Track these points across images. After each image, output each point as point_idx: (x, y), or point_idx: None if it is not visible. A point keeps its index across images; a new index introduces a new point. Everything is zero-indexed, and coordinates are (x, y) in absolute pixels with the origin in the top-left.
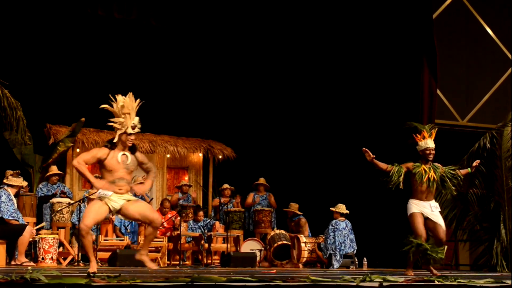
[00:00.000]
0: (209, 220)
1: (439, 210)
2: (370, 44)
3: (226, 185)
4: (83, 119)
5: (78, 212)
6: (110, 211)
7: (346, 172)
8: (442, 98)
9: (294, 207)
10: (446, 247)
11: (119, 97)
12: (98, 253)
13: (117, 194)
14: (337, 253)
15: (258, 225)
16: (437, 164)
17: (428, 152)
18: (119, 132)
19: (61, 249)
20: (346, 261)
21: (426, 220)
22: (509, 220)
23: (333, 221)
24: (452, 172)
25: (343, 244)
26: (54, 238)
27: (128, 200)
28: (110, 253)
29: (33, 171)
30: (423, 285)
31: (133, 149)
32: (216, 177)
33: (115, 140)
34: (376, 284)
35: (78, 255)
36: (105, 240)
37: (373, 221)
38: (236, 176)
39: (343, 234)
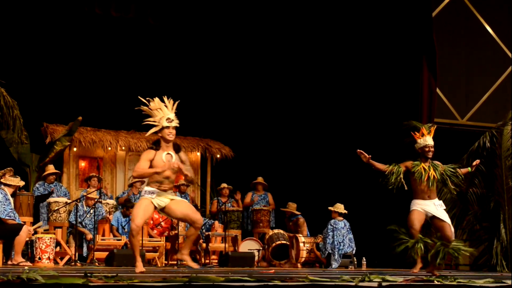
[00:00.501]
0: (207, 220)
1: (444, 207)
2: (369, 43)
3: (224, 185)
4: (80, 118)
5: (75, 211)
6: (155, 208)
7: (345, 172)
8: (441, 97)
9: (292, 206)
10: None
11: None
12: (95, 252)
13: (162, 192)
14: (336, 252)
15: (256, 225)
16: (436, 162)
17: (427, 149)
18: (155, 129)
19: (58, 249)
20: (345, 261)
21: (433, 219)
22: (509, 219)
23: (332, 221)
24: (452, 170)
25: (342, 244)
26: (51, 238)
27: (172, 199)
28: (107, 253)
29: (29, 170)
30: (422, 285)
31: (177, 149)
32: (214, 176)
33: (148, 134)
34: (375, 284)
35: (75, 255)
36: (102, 239)
37: (372, 221)
38: (234, 176)
39: (341, 233)
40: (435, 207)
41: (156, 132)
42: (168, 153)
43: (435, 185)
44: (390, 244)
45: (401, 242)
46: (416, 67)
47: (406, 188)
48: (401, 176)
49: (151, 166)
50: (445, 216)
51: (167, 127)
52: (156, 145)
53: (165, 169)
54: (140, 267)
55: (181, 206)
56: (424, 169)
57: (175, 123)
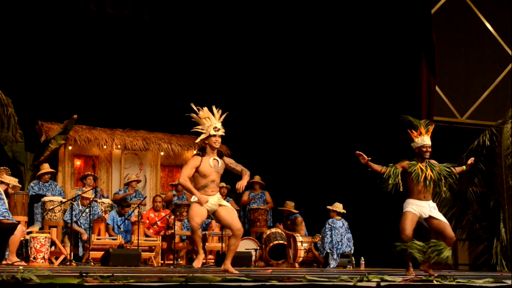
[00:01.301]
0: None
1: (437, 211)
2: (367, 40)
3: (222, 184)
4: (75, 116)
5: (70, 210)
6: (208, 212)
7: (343, 171)
8: (440, 95)
9: (290, 205)
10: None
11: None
12: (90, 252)
13: (210, 196)
14: (334, 252)
15: (253, 224)
16: (433, 162)
17: (424, 149)
18: (203, 137)
19: (53, 248)
20: (343, 260)
21: (430, 220)
22: (509, 219)
23: (330, 220)
24: (447, 170)
25: (340, 243)
26: (45, 237)
27: (221, 205)
28: (102, 252)
29: (24, 169)
30: (421, 285)
31: (220, 154)
32: None
33: (197, 141)
34: (374, 284)
35: (70, 254)
36: (97, 239)
37: (370, 220)
38: (231, 175)
39: (340, 233)
40: (430, 209)
41: (203, 139)
42: (215, 159)
43: (432, 186)
44: (388, 244)
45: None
46: (415, 64)
47: (401, 190)
48: (399, 177)
49: (198, 172)
50: (441, 217)
51: (214, 135)
52: (202, 151)
53: (210, 179)
54: (199, 260)
55: (229, 213)
56: (421, 169)
57: (222, 132)
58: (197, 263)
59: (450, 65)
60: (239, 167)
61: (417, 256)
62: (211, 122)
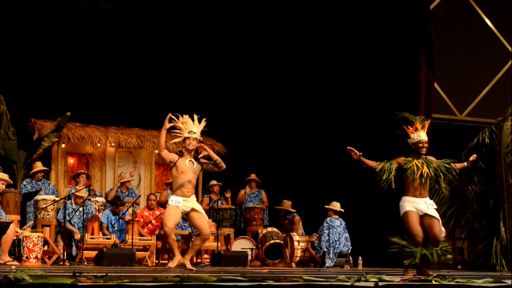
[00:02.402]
0: None
1: (435, 207)
2: (365, 36)
3: (213, 182)
4: (68, 113)
5: (64, 209)
6: (182, 213)
7: (341, 169)
8: (439, 92)
9: (287, 204)
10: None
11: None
12: (84, 251)
13: (185, 197)
14: (331, 251)
15: (249, 223)
16: (430, 158)
17: (421, 145)
18: (177, 140)
19: (46, 247)
20: (341, 260)
21: (422, 217)
22: (509, 218)
23: (328, 219)
24: (447, 166)
25: (337, 242)
26: (38, 237)
27: (194, 210)
28: (96, 252)
29: (17, 167)
30: (420, 285)
31: (196, 158)
32: (206, 173)
33: (172, 141)
34: (372, 284)
35: (63, 254)
36: (91, 238)
37: (368, 219)
38: (226, 173)
39: (337, 232)
40: (426, 206)
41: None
42: (190, 160)
43: (428, 183)
44: (387, 244)
45: (402, 251)
46: (414, 61)
47: (393, 187)
48: (393, 173)
49: (175, 167)
50: (436, 215)
51: (188, 138)
52: (180, 152)
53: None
54: (175, 262)
55: (200, 217)
56: (417, 166)
57: (196, 135)
58: (172, 264)
59: (449, 61)
60: (212, 164)
61: (417, 261)
62: (187, 126)
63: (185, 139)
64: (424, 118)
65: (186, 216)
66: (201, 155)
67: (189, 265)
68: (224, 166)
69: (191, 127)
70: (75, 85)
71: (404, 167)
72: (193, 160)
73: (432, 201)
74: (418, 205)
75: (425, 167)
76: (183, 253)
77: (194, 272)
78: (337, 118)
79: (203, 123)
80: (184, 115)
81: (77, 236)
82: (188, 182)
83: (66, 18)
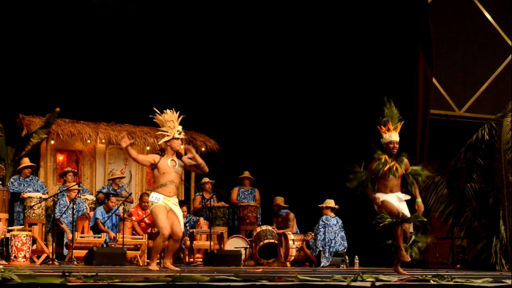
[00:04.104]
0: (191, 216)
1: (408, 198)
2: (362, 31)
3: (206, 179)
4: (57, 109)
5: (56, 206)
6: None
7: (336, 167)
8: (438, 87)
9: (279, 200)
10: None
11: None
12: (74, 251)
13: (167, 197)
14: (327, 250)
15: (243, 222)
16: (403, 158)
17: (392, 146)
18: (166, 139)
19: (34, 246)
20: (337, 259)
21: None
22: (509, 216)
23: (324, 217)
24: (417, 173)
25: (333, 241)
26: (27, 235)
27: (171, 210)
28: (86, 251)
29: (5, 164)
30: (417, 285)
31: (179, 155)
32: None
33: (160, 142)
34: (368, 284)
35: (52, 253)
36: (81, 237)
37: (364, 218)
38: (219, 170)
39: (333, 230)
40: (397, 200)
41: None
42: (173, 160)
43: (399, 179)
44: (384, 243)
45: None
46: (412, 55)
47: (357, 193)
48: (364, 179)
49: (157, 168)
50: (406, 210)
51: (177, 139)
52: (162, 151)
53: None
54: (154, 264)
55: (173, 219)
56: (386, 160)
57: (183, 135)
58: (152, 266)
59: (448, 56)
60: (191, 160)
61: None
62: (175, 124)
63: (173, 139)
64: (400, 119)
65: None
66: (186, 157)
67: (171, 267)
68: (207, 169)
69: (178, 126)
70: (64, 80)
71: (373, 165)
72: (175, 159)
73: (403, 194)
74: (389, 199)
75: (394, 162)
76: (176, 251)
77: (186, 271)
78: (332, 115)
79: (181, 117)
80: (167, 111)
81: (69, 236)
82: (171, 182)
83: (55, 13)
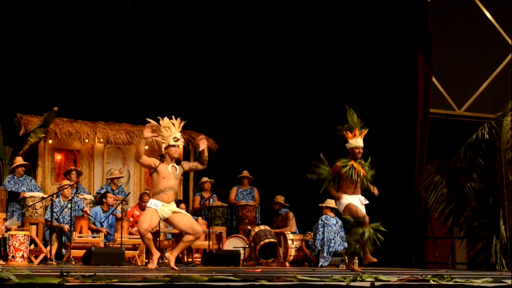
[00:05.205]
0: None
1: (367, 202)
2: (362, 30)
3: (205, 178)
4: (56, 108)
5: (51, 207)
6: (160, 218)
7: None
8: (437, 86)
9: (280, 199)
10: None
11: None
12: (72, 250)
13: (165, 203)
14: (326, 249)
15: (242, 221)
16: (363, 162)
17: (357, 151)
18: (164, 146)
19: (32, 246)
20: (336, 259)
21: None
22: (509, 216)
23: (323, 216)
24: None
25: (332, 241)
26: (25, 235)
27: (175, 212)
28: (84, 250)
29: (2, 164)
30: (417, 285)
31: (178, 162)
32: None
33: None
34: (368, 284)
35: (50, 253)
36: (79, 237)
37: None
38: (218, 169)
39: (333, 230)
40: (360, 202)
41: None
42: (173, 166)
43: (359, 181)
44: (383, 243)
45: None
46: (411, 54)
47: (320, 191)
48: (324, 177)
49: (156, 173)
50: (363, 208)
51: (173, 146)
52: (162, 157)
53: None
54: (154, 262)
55: (184, 219)
56: (354, 166)
57: (181, 142)
58: (151, 265)
59: (448, 55)
60: (196, 162)
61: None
62: (171, 132)
63: (169, 146)
64: (364, 126)
65: (168, 222)
66: (200, 149)
67: (172, 263)
68: (206, 165)
69: (175, 133)
70: (62, 79)
71: (342, 170)
72: (175, 165)
73: (363, 197)
74: (353, 201)
75: (360, 168)
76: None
77: (185, 271)
78: (331, 113)
79: (182, 123)
80: (164, 119)
81: (66, 228)
82: (170, 188)
83: (53, 11)
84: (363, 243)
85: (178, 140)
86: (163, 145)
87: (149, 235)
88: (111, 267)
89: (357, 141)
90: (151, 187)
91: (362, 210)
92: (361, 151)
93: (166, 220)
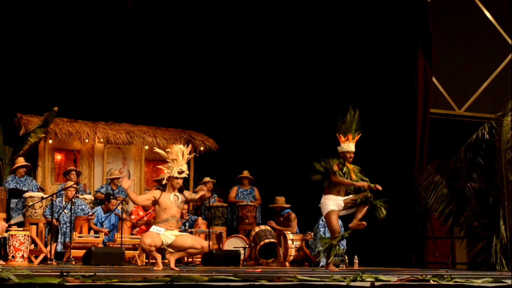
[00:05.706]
0: (190, 216)
1: (344, 213)
2: (362, 30)
3: (207, 178)
4: (56, 108)
5: (51, 206)
6: (163, 243)
7: None
8: (437, 86)
9: (280, 200)
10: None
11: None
12: (72, 251)
13: (168, 230)
14: None
15: (242, 221)
16: (356, 170)
17: (349, 155)
18: (167, 175)
19: (32, 246)
20: (336, 259)
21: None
22: (509, 216)
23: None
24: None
25: None
26: (25, 235)
27: (177, 236)
28: (84, 251)
29: (2, 164)
30: (417, 285)
31: (180, 190)
32: (198, 170)
33: (163, 182)
34: (368, 284)
35: (50, 253)
36: (79, 237)
37: (364, 218)
38: (218, 169)
39: None
40: (338, 206)
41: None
42: (175, 195)
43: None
44: (383, 243)
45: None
46: (411, 54)
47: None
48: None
49: (158, 204)
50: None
51: (176, 178)
52: (163, 187)
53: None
54: (160, 264)
55: (189, 238)
56: (349, 169)
57: (185, 174)
58: (157, 267)
59: (448, 55)
60: (196, 195)
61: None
62: (177, 164)
63: (173, 177)
64: (358, 130)
65: (172, 247)
66: (197, 197)
67: (173, 264)
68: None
69: (181, 165)
70: (62, 79)
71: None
72: (177, 194)
73: (344, 200)
74: (339, 202)
75: (352, 173)
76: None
77: (185, 271)
78: (332, 113)
79: (190, 156)
80: (174, 148)
81: (55, 221)
82: (172, 217)
83: (53, 11)
84: (327, 255)
85: (182, 172)
86: (167, 175)
87: (152, 248)
88: (111, 267)
89: (349, 146)
90: (154, 216)
91: (340, 213)
92: (352, 156)
93: (170, 246)
